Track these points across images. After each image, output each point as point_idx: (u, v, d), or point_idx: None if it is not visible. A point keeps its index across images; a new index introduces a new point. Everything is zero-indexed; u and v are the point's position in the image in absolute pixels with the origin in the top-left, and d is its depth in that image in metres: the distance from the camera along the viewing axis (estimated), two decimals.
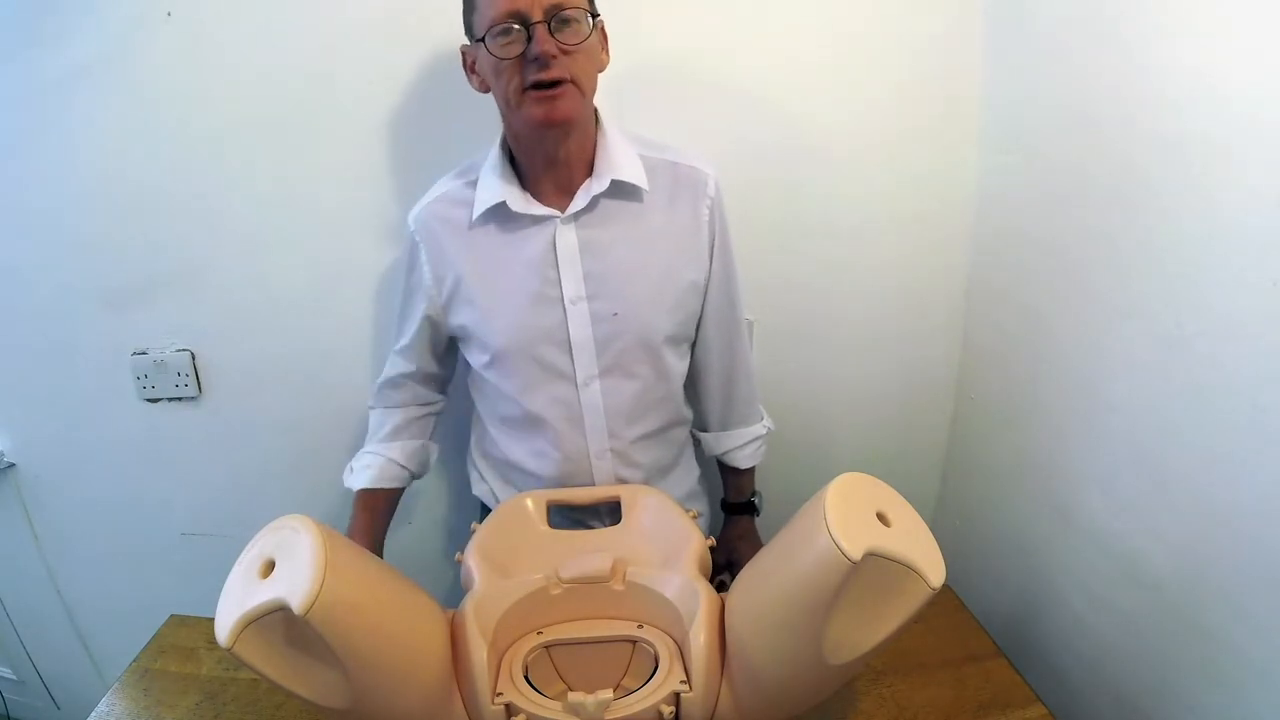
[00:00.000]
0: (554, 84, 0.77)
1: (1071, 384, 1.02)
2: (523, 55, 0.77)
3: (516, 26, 0.76)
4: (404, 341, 0.98)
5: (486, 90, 0.84)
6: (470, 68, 0.85)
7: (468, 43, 0.84)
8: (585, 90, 0.81)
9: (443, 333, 0.96)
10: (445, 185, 0.92)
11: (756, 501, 1.13)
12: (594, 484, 0.94)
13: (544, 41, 0.75)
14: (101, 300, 1.20)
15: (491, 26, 0.76)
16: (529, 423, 0.94)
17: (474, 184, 0.89)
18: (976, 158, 1.17)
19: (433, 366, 1.01)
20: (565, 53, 0.77)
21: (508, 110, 0.82)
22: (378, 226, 1.13)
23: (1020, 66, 1.07)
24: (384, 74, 1.08)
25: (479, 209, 0.87)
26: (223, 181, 1.13)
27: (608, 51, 0.86)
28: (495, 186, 0.86)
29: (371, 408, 1.05)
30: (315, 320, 1.20)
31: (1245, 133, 0.73)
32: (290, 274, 1.17)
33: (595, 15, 0.81)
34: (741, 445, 1.06)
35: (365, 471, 1.00)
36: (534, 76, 0.77)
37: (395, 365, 1.01)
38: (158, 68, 1.07)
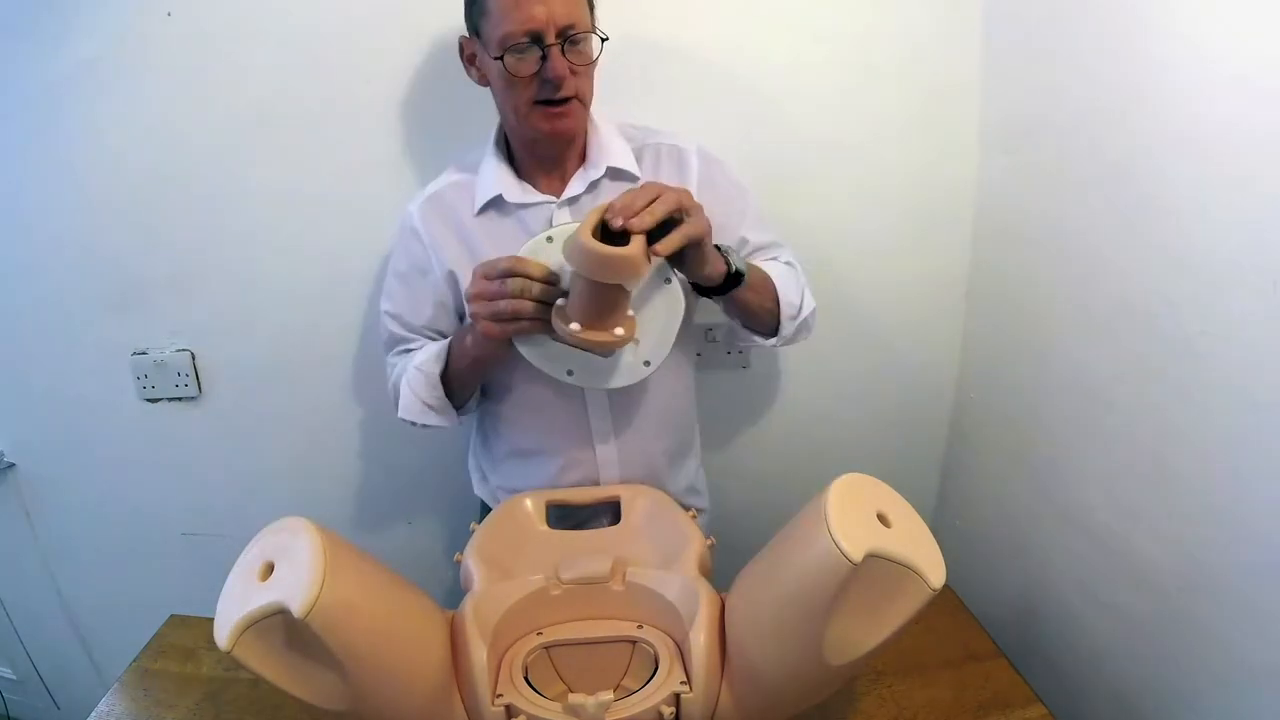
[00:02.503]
0: (562, 101, 0.82)
1: (1071, 384, 1.02)
2: (536, 73, 0.80)
3: (531, 45, 0.78)
4: (414, 346, 0.95)
5: (485, 84, 0.87)
6: (469, 60, 0.87)
7: (467, 35, 0.86)
8: (587, 103, 0.86)
9: (449, 319, 0.95)
10: (445, 179, 0.94)
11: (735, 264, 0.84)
12: (596, 472, 0.94)
13: (558, 65, 0.79)
14: (101, 300, 1.20)
15: (506, 42, 0.78)
16: (530, 415, 0.94)
17: (473, 177, 0.92)
18: (976, 157, 1.17)
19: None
20: (574, 73, 0.81)
21: (514, 118, 0.85)
22: (378, 226, 1.12)
23: (1020, 66, 1.07)
24: (383, 73, 1.08)
25: (479, 202, 0.90)
26: (223, 181, 1.13)
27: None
28: (492, 179, 0.89)
29: (391, 363, 0.98)
30: (315, 320, 1.20)
31: (1245, 132, 0.73)
32: (290, 274, 1.17)
33: (604, 39, 0.83)
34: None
35: (430, 351, 0.91)
36: (545, 95, 0.81)
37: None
38: (158, 67, 1.07)
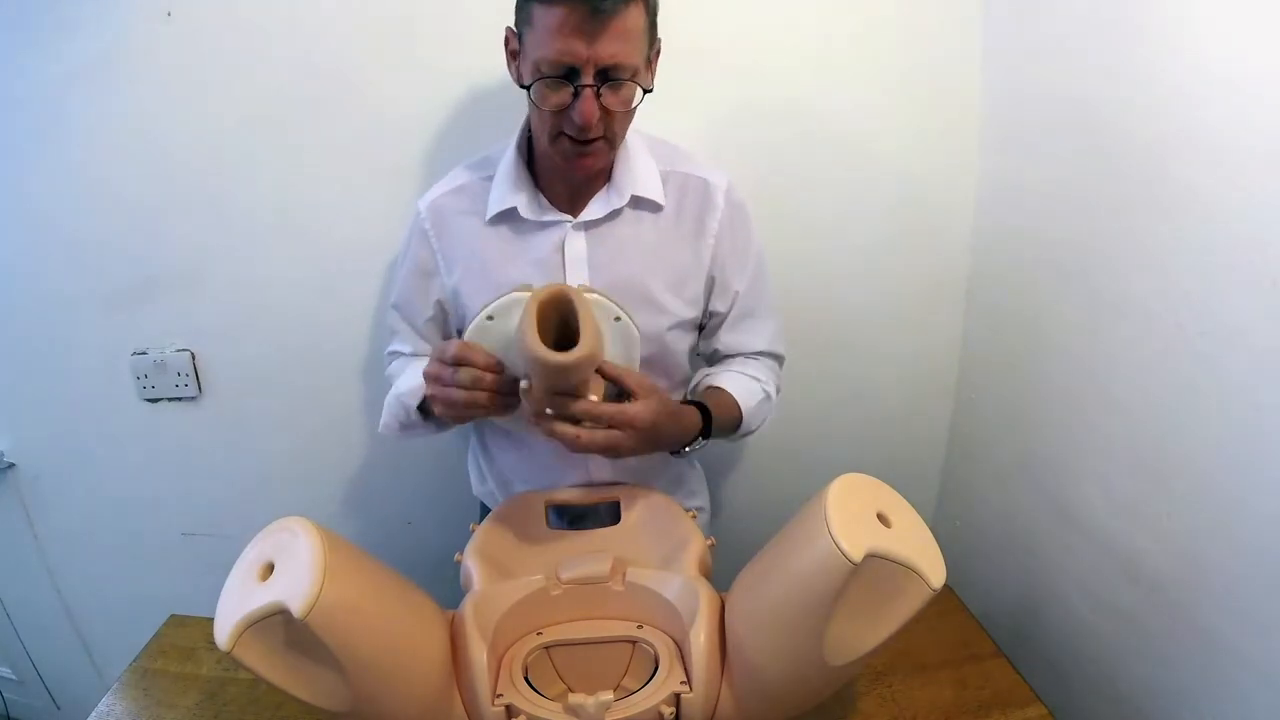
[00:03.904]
0: (587, 140, 0.77)
1: (1071, 384, 1.02)
2: (566, 107, 0.75)
3: (565, 80, 0.73)
4: (408, 350, 0.96)
5: (523, 85, 0.81)
6: (512, 54, 0.82)
7: (514, 29, 0.80)
8: (617, 142, 0.81)
9: (452, 324, 0.94)
10: (461, 177, 0.90)
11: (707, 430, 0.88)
12: (591, 484, 0.94)
13: (587, 109, 0.73)
14: (101, 300, 1.20)
15: (540, 69, 0.73)
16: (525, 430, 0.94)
17: (489, 179, 0.88)
18: (976, 158, 1.17)
19: None
20: (607, 113, 0.76)
21: (538, 135, 0.81)
22: (378, 226, 1.12)
23: (1020, 65, 1.07)
24: (385, 74, 1.07)
25: (491, 211, 0.86)
26: (223, 181, 1.12)
27: (653, 75, 0.82)
28: (508, 189, 0.86)
29: (387, 360, 1.00)
30: (315, 320, 1.20)
31: (1245, 132, 0.73)
32: (290, 274, 1.17)
33: (647, 90, 0.78)
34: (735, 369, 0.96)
35: (411, 379, 0.88)
36: (570, 132, 0.76)
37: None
38: (158, 67, 1.07)
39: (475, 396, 0.72)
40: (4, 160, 1.13)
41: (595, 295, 0.74)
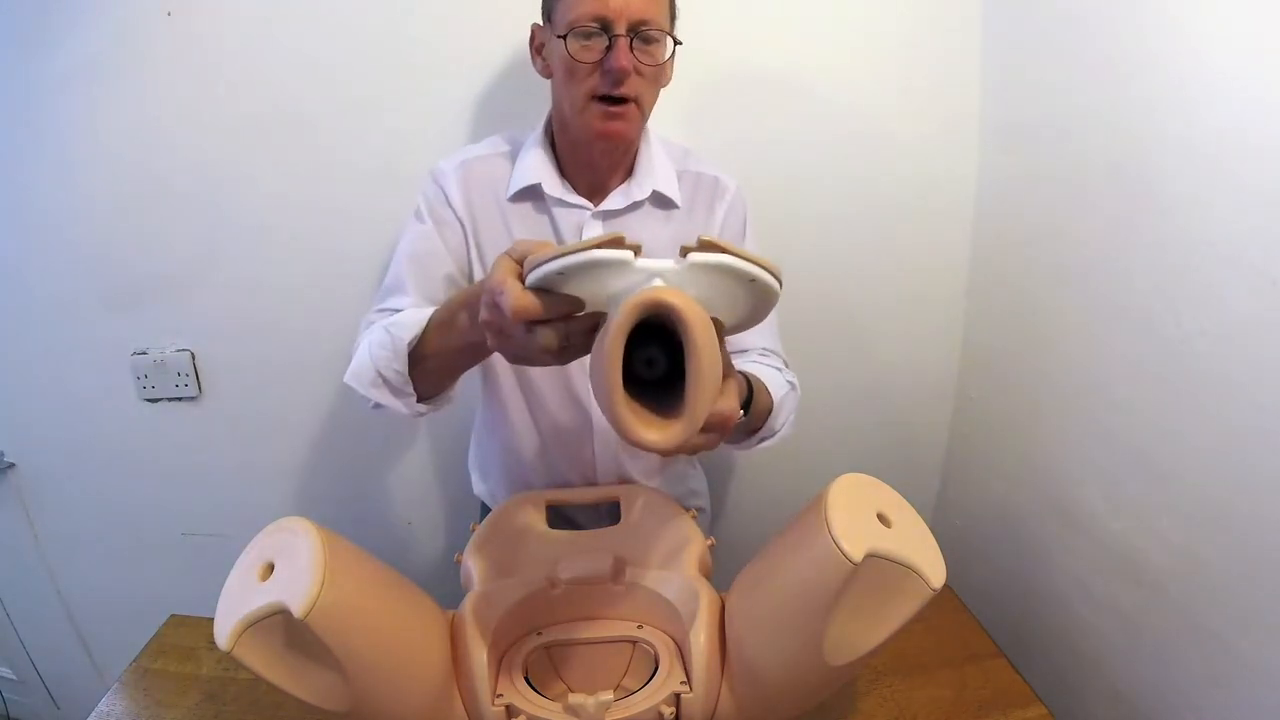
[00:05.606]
0: (620, 100, 0.78)
1: (1071, 384, 1.02)
2: (598, 63, 0.76)
3: (599, 32, 0.75)
4: (407, 299, 0.83)
5: (549, 76, 0.83)
6: (537, 50, 0.84)
7: (540, 23, 0.83)
8: (646, 111, 0.82)
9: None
10: (489, 147, 0.90)
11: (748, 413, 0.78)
12: (596, 477, 0.94)
13: (623, 56, 0.75)
14: (101, 300, 1.20)
15: (574, 25, 0.75)
16: (529, 415, 0.94)
17: (513, 155, 0.88)
18: (976, 157, 1.17)
19: None
20: (639, 72, 0.77)
21: (569, 111, 0.81)
22: (379, 226, 1.13)
23: (1020, 66, 1.07)
24: (385, 73, 1.08)
25: (515, 186, 0.86)
26: (223, 181, 1.13)
27: (672, 68, 0.84)
28: (533, 167, 0.86)
29: (369, 321, 0.84)
30: (315, 320, 1.20)
31: (1245, 132, 0.73)
32: (290, 274, 1.17)
33: (678, 42, 0.81)
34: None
35: (410, 315, 0.75)
36: (604, 89, 0.77)
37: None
38: (158, 67, 1.07)
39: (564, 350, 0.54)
40: (5, 160, 1.13)
41: (721, 258, 0.51)
